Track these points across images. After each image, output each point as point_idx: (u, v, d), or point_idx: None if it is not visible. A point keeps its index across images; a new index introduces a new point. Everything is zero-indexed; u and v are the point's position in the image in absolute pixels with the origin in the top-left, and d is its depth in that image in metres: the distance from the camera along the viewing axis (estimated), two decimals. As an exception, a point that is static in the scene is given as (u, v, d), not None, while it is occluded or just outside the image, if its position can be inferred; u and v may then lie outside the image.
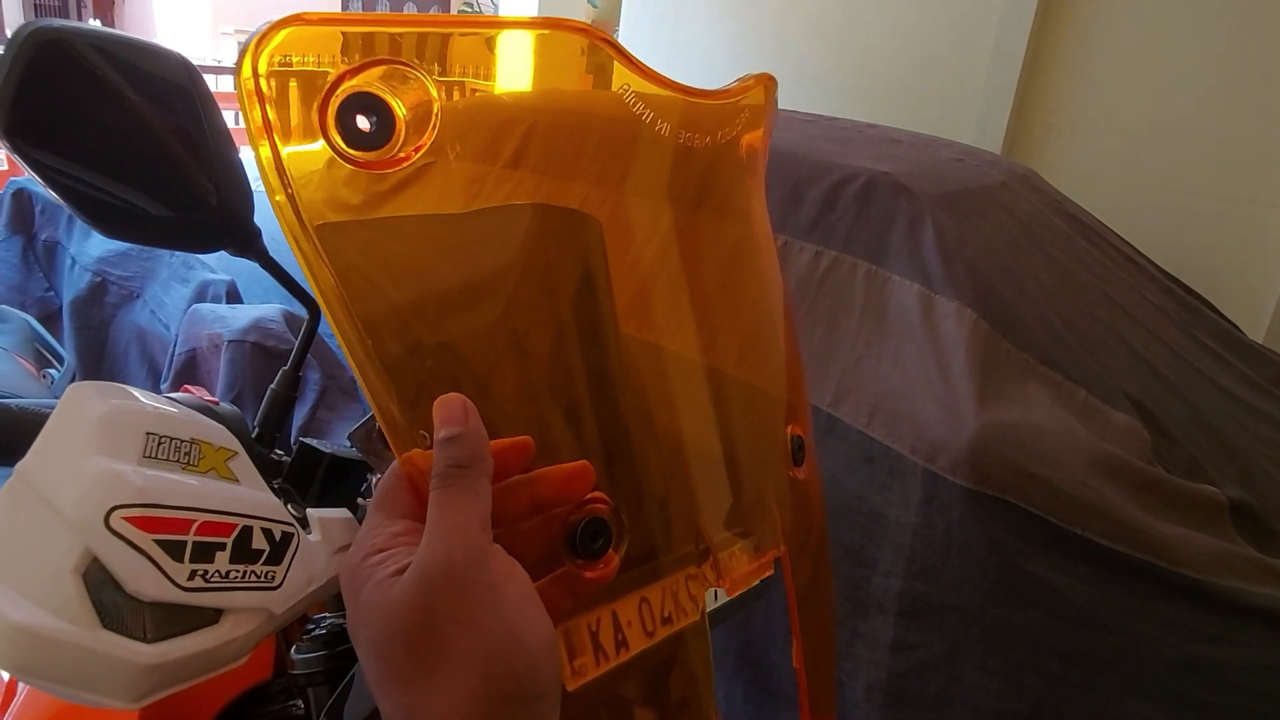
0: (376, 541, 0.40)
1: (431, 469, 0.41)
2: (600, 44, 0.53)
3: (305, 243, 0.42)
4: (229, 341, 1.57)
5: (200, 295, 1.81)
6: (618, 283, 0.58)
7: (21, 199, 2.09)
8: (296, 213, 0.42)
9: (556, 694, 0.39)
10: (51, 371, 1.34)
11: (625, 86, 0.55)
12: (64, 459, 0.38)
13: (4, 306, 1.36)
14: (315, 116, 0.41)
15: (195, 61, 0.54)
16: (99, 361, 1.98)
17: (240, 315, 1.63)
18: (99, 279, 1.96)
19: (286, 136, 0.41)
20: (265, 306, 1.67)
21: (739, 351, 0.68)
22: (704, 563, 0.61)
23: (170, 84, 0.51)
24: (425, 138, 0.45)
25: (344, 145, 0.42)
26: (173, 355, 1.70)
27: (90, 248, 2.00)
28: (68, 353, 1.93)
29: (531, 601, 0.39)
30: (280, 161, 0.41)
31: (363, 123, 0.43)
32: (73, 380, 1.33)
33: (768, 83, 0.68)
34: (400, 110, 0.44)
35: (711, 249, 0.67)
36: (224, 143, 0.54)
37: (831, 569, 0.78)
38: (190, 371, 1.66)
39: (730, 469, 0.65)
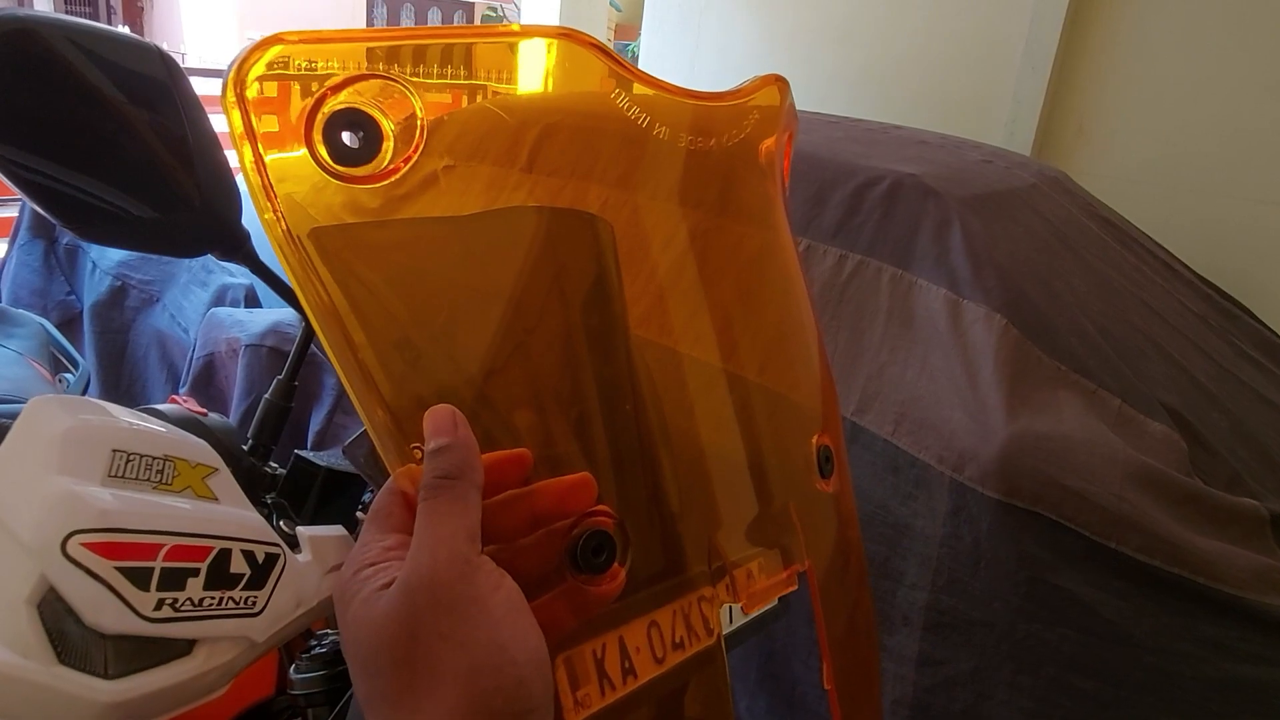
0: (367, 556, 0.39)
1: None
2: (588, 48, 0.52)
3: (291, 252, 0.42)
4: (246, 346, 1.55)
5: (219, 299, 1.80)
6: (635, 288, 0.56)
7: (43, 203, 2.09)
8: (282, 223, 0.41)
9: (548, 709, 0.38)
10: (67, 376, 1.32)
11: (618, 91, 0.54)
12: (21, 479, 0.35)
13: (19, 310, 1.35)
14: (301, 136, 0.42)
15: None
16: (119, 366, 1.98)
17: (258, 320, 1.61)
18: (119, 283, 1.96)
19: (272, 147, 0.41)
20: (283, 310, 1.65)
21: (762, 358, 0.67)
22: (719, 581, 0.58)
23: (148, 79, 0.48)
24: (413, 150, 0.45)
25: (331, 162, 0.43)
26: (191, 360, 1.69)
27: (111, 252, 2.00)
28: (88, 357, 1.93)
29: (520, 613, 0.38)
30: (266, 175, 0.41)
31: (349, 139, 0.43)
32: (87, 385, 1.31)
33: (779, 83, 0.66)
34: (386, 123, 0.44)
35: (732, 254, 0.66)
36: (208, 142, 0.51)
37: (869, 586, 0.75)
38: (208, 376, 1.65)
39: (754, 479, 0.63)
